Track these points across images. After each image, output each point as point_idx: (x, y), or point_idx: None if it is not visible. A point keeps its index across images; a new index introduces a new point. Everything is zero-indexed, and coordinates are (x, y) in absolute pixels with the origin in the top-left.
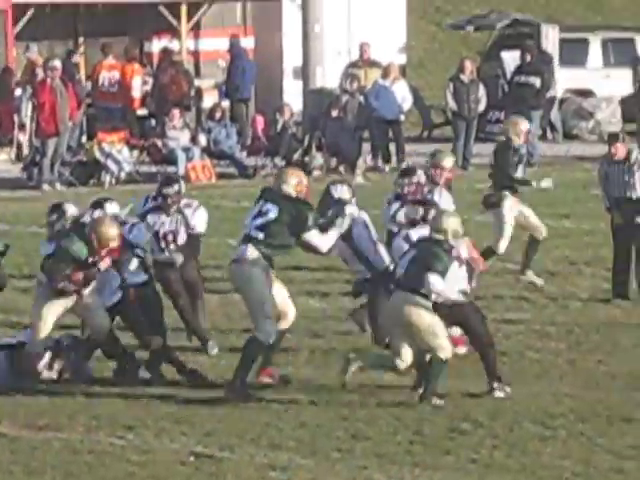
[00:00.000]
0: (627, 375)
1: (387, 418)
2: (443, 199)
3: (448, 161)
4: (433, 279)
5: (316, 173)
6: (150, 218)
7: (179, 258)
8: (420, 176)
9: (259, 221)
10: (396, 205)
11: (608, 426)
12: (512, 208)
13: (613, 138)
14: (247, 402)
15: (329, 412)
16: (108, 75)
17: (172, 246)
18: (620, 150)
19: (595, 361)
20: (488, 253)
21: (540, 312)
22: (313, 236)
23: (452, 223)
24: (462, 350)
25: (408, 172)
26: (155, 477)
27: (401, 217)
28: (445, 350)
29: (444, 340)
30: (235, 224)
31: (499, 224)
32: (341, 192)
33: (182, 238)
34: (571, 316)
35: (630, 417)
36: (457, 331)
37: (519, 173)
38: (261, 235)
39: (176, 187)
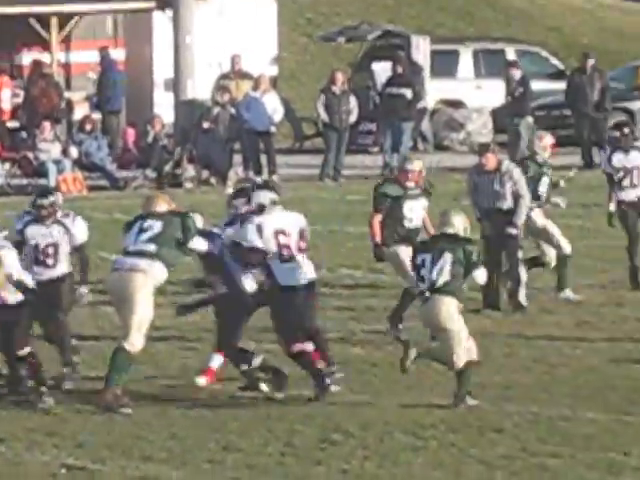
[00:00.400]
0: (498, 385)
1: (259, 430)
2: None
3: (415, 164)
4: (481, 273)
5: (188, 185)
6: (29, 231)
7: (85, 296)
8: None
9: (145, 236)
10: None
11: (479, 436)
12: (540, 216)
13: (484, 148)
14: (117, 413)
15: (201, 424)
16: None
17: (50, 261)
18: (491, 160)
19: None
20: (537, 264)
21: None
22: (198, 243)
23: (461, 220)
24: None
25: (241, 192)
26: None
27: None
28: (461, 359)
29: (463, 349)
30: (106, 236)
31: (541, 234)
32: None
33: (64, 250)
34: None
35: (501, 427)
36: None
37: (543, 188)
38: (152, 247)
39: (51, 198)
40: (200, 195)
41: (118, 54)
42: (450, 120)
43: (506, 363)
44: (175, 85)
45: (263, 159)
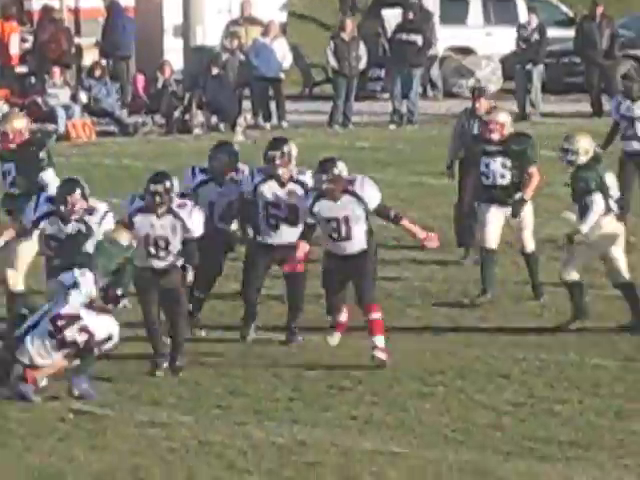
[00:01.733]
0: (505, 331)
1: (266, 375)
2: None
3: (497, 115)
4: None
5: (197, 131)
6: (138, 219)
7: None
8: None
9: None
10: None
11: (487, 383)
12: None
13: (478, 92)
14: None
15: (208, 370)
16: None
17: (162, 253)
18: (484, 105)
19: (474, 318)
20: None
21: (420, 270)
22: None
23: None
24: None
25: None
26: (35, 434)
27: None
28: None
29: None
30: (116, 182)
31: None
32: None
33: (176, 244)
34: (450, 273)
35: (508, 373)
36: None
37: None
38: None
39: (167, 183)
40: (209, 141)
41: (127, 0)
42: (459, 67)
43: (515, 310)
44: (184, 31)
45: (272, 105)
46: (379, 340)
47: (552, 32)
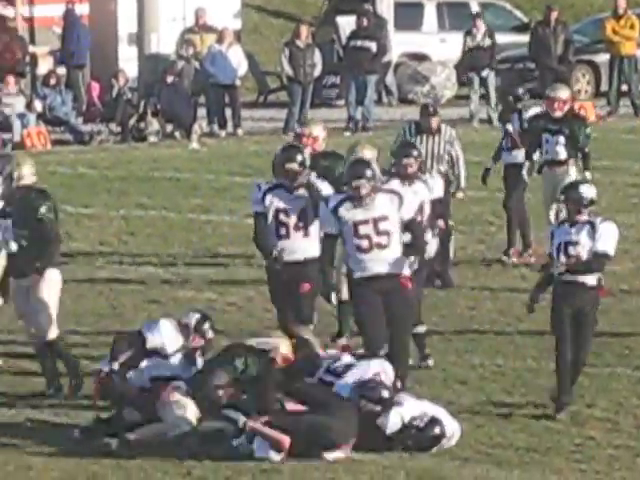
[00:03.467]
0: (462, 338)
1: None
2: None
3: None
4: None
5: (152, 139)
6: None
7: None
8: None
9: None
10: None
11: (444, 388)
12: None
13: (433, 110)
14: None
15: None
16: None
17: None
18: (435, 122)
19: (431, 324)
20: None
21: None
22: None
23: None
24: None
25: None
26: None
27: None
28: None
29: None
30: (71, 190)
31: None
32: None
33: None
34: None
35: (466, 379)
36: None
37: None
38: None
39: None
40: (164, 149)
41: (82, 9)
42: (414, 73)
43: (471, 316)
44: (139, 39)
45: (227, 113)
46: None
47: (506, 38)
